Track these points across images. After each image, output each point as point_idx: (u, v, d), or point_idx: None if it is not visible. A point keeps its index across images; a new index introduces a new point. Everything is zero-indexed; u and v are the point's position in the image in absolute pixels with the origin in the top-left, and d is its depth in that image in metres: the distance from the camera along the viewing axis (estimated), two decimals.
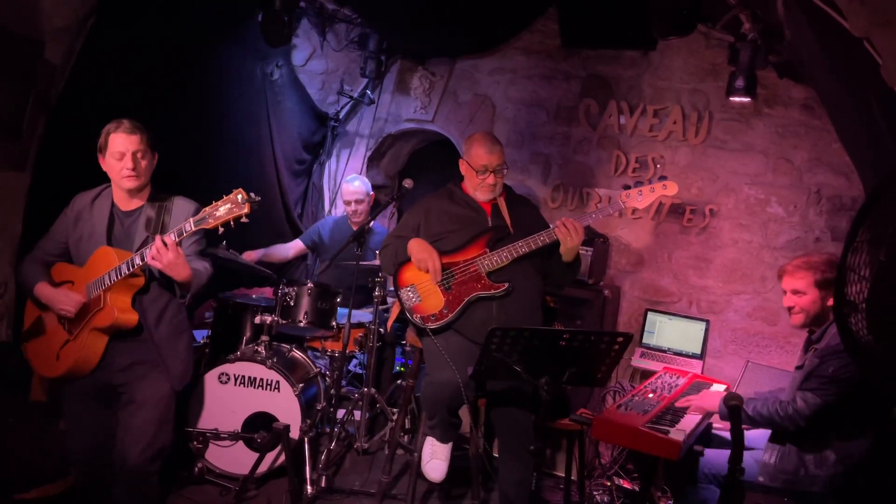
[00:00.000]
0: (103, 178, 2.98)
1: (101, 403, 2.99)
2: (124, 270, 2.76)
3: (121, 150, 2.83)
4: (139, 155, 2.86)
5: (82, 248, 2.95)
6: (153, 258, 2.70)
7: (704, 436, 3.39)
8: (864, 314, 1.57)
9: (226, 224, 2.68)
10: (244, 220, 2.65)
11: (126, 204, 2.97)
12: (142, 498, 2.96)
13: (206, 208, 2.71)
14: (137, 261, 2.75)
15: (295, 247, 5.14)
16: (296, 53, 5.57)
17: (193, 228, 2.72)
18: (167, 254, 2.70)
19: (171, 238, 2.72)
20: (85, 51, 3.51)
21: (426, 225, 3.45)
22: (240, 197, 2.65)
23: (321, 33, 5.48)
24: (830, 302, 3.02)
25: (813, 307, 3.07)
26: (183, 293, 2.93)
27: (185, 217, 2.86)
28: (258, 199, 2.68)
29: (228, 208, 2.66)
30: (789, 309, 3.15)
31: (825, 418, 2.87)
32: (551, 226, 3.31)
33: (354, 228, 4.96)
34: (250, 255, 4.80)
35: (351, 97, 5.82)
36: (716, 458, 3.17)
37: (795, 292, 3.11)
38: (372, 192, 5.09)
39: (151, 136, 2.92)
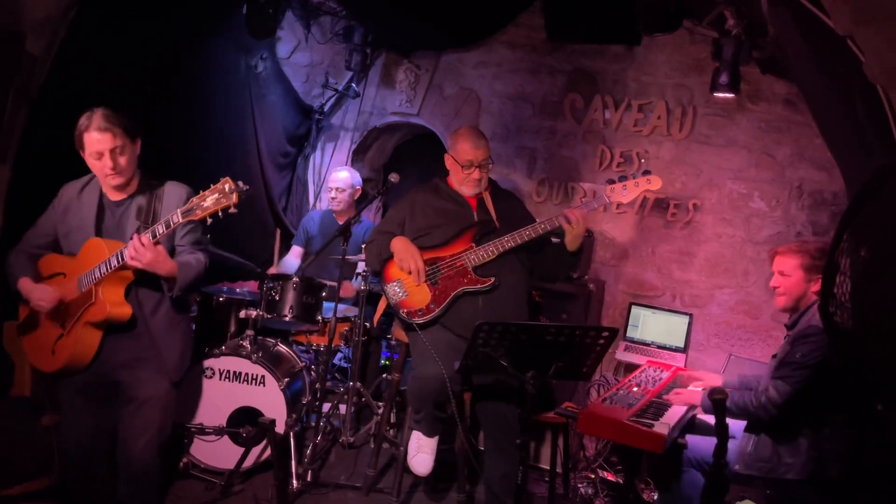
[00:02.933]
0: (87, 170, 2.94)
1: (99, 399, 2.95)
2: (113, 264, 2.71)
3: (97, 150, 2.76)
4: (117, 151, 2.78)
5: (72, 239, 2.91)
6: (132, 259, 2.65)
7: (688, 424, 3.43)
8: (849, 307, 1.61)
9: (214, 215, 2.58)
10: (232, 210, 2.54)
11: (115, 194, 2.91)
12: (143, 490, 2.97)
13: (194, 198, 2.63)
14: (123, 257, 2.70)
15: (296, 253, 5.12)
16: (280, 46, 5.54)
17: (181, 220, 2.64)
18: (146, 253, 2.66)
19: (147, 238, 2.67)
20: (67, 43, 3.46)
21: (412, 220, 3.45)
22: (227, 187, 2.54)
23: (306, 26, 5.46)
24: (815, 288, 3.06)
25: (795, 289, 3.11)
26: (170, 286, 2.87)
27: (176, 203, 2.78)
28: (246, 188, 2.57)
29: (216, 199, 2.56)
30: (774, 289, 3.20)
31: (796, 406, 2.91)
32: (537, 220, 3.33)
33: (339, 221, 4.96)
34: (271, 272, 4.57)
35: (336, 90, 5.79)
36: (699, 443, 3.20)
37: (782, 273, 3.15)
38: (359, 186, 5.07)
39: (129, 123, 2.81)
